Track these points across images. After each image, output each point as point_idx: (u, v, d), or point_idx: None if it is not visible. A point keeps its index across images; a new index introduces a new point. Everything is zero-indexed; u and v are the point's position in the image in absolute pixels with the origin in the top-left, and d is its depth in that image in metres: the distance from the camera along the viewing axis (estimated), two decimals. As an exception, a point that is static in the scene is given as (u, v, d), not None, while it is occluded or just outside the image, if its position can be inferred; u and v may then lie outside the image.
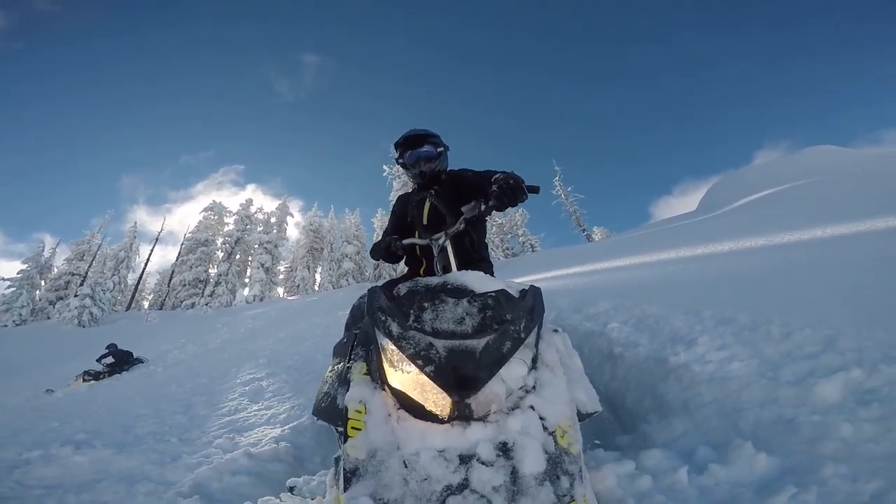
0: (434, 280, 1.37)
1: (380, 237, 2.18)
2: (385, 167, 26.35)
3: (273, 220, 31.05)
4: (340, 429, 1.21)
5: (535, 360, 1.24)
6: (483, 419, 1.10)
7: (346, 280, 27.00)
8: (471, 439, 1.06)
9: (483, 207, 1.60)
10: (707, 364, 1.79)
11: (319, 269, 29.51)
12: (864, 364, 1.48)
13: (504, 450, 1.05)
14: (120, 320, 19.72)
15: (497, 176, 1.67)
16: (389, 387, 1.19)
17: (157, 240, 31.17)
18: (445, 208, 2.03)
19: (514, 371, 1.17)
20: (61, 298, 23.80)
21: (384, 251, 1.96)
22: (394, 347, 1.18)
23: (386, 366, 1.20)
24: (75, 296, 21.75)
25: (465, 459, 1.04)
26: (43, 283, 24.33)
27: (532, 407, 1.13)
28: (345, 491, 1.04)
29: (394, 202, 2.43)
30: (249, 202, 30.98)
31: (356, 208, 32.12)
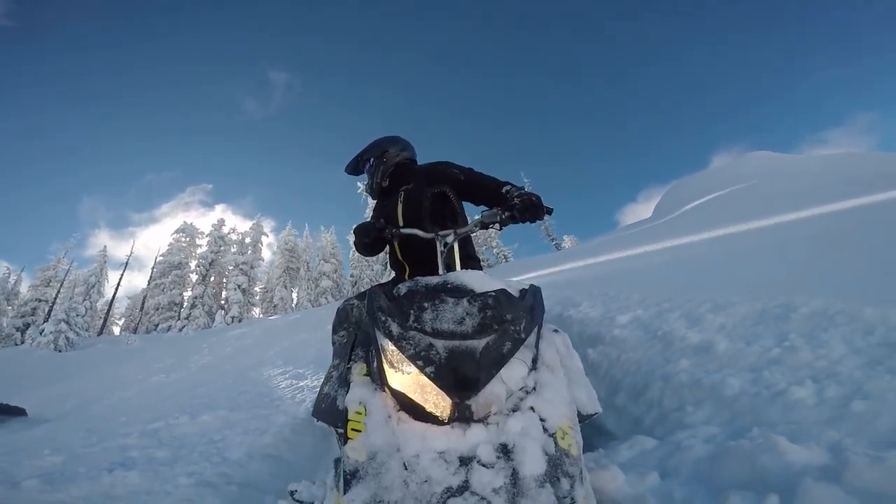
0: (434, 279, 1.37)
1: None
2: (359, 184, 26.99)
3: (248, 240, 31.23)
4: (340, 430, 1.22)
5: (535, 361, 1.25)
6: (483, 421, 1.11)
7: (325, 298, 27.56)
8: (471, 441, 1.07)
9: (502, 217, 1.61)
10: (580, 314, 3.18)
11: (296, 289, 30.01)
12: (647, 307, 2.93)
13: (504, 451, 1.06)
14: (97, 344, 19.67)
15: (509, 188, 1.73)
16: (389, 388, 1.19)
17: (126, 264, 30.77)
18: (421, 211, 1.97)
19: (515, 372, 1.18)
20: (28, 325, 23.33)
21: (377, 234, 1.82)
22: (394, 348, 1.18)
23: (386, 367, 1.20)
24: (45, 321, 21.49)
25: (466, 461, 1.04)
26: (10, 309, 23.83)
27: (532, 408, 1.15)
28: (345, 493, 1.05)
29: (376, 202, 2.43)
30: (221, 222, 30.99)
31: (331, 226, 32.75)
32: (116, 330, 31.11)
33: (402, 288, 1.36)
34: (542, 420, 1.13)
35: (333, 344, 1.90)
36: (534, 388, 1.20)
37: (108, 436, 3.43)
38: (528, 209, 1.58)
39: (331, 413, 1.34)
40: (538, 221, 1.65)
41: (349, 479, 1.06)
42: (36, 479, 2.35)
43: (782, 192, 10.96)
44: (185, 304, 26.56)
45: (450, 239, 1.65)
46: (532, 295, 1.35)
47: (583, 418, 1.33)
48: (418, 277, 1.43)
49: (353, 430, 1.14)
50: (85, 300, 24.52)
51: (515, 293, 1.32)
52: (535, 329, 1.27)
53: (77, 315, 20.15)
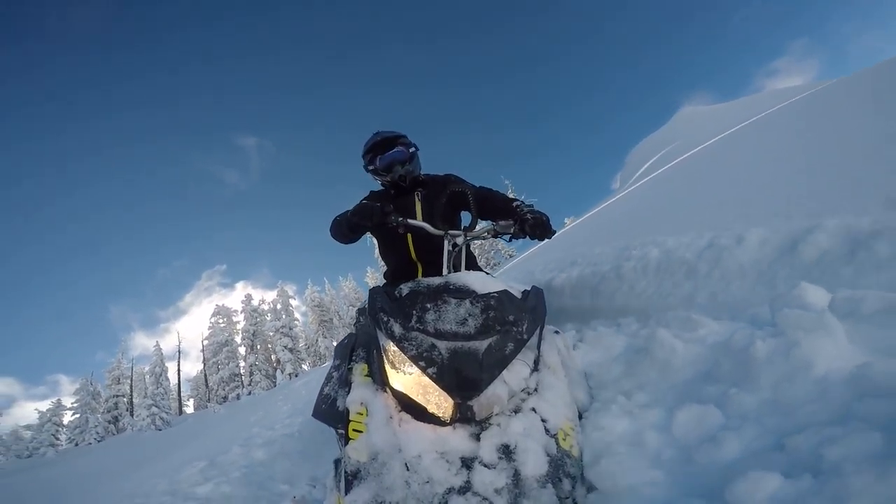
0: (436, 280, 1.38)
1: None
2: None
3: (279, 306, 34.65)
4: (341, 431, 1.23)
5: (536, 362, 1.26)
6: (485, 421, 1.12)
7: (362, 340, 30.89)
8: (473, 442, 1.08)
9: (515, 229, 1.63)
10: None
11: (335, 338, 33.35)
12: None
13: (506, 452, 1.07)
14: (188, 419, 22.80)
15: (520, 204, 1.77)
16: (391, 388, 1.20)
17: (179, 352, 34.31)
18: (440, 211, 1.92)
19: (517, 373, 1.19)
20: (116, 419, 26.60)
21: (381, 219, 1.64)
22: (396, 348, 1.19)
23: (388, 367, 1.21)
24: (128, 412, 24.66)
25: (468, 462, 1.05)
26: (98, 406, 27.23)
27: (534, 409, 1.15)
28: (346, 494, 1.06)
29: (366, 196, 2.17)
30: (249, 297, 34.39)
31: (348, 273, 36.12)
32: (189, 409, 34.12)
33: (404, 289, 1.38)
34: (543, 421, 1.14)
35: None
36: (535, 390, 1.21)
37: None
38: (539, 227, 1.61)
39: (331, 414, 1.33)
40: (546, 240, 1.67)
41: (350, 479, 1.07)
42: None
43: (697, 145, 11.47)
44: (244, 372, 29.78)
45: (459, 240, 1.65)
46: (534, 296, 1.37)
47: (583, 419, 1.32)
48: (420, 278, 1.46)
49: (354, 430, 1.15)
50: (158, 388, 27.75)
51: (517, 294, 1.34)
52: (537, 330, 1.29)
53: (162, 399, 23.38)
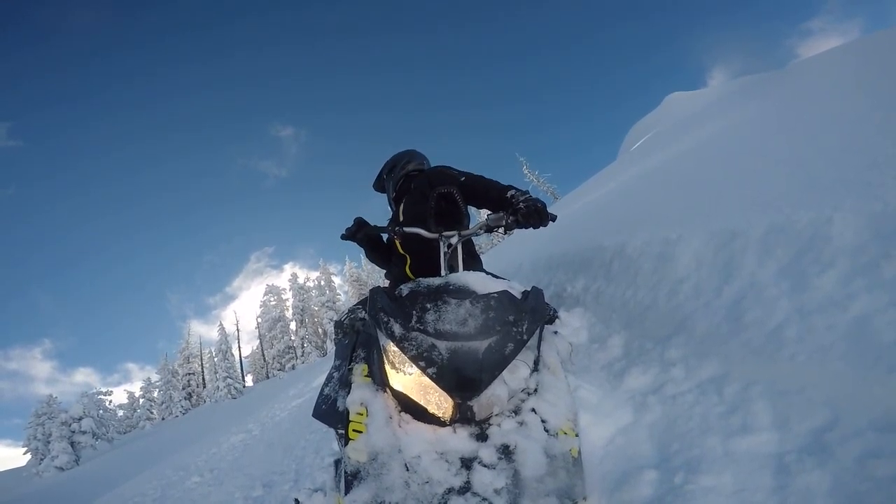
0: (436, 280, 1.39)
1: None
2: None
3: (322, 283, 36.83)
4: (341, 431, 1.24)
5: (536, 363, 1.28)
6: (485, 422, 1.13)
7: (401, 309, 32.68)
8: (473, 442, 1.09)
9: (508, 221, 1.63)
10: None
11: (374, 309, 35.32)
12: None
13: (506, 452, 1.08)
14: (257, 388, 25.67)
15: (514, 192, 1.76)
16: (391, 389, 1.21)
17: (238, 329, 37.38)
18: (418, 209, 1.99)
19: (516, 373, 1.21)
20: (190, 395, 30.00)
21: (377, 231, 1.82)
22: (396, 349, 1.20)
23: (388, 367, 1.22)
24: (201, 386, 27.72)
25: (467, 462, 1.06)
26: (177, 382, 30.90)
27: (534, 410, 1.17)
28: (346, 494, 1.06)
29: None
30: (295, 277, 36.63)
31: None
32: (248, 382, 37.74)
33: (405, 289, 1.38)
34: (543, 421, 1.14)
35: (336, 344, 1.86)
36: (535, 390, 1.22)
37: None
38: (533, 215, 1.61)
39: (331, 414, 1.34)
40: (542, 227, 1.66)
41: (350, 480, 1.08)
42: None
43: (675, 133, 10.72)
44: (296, 345, 32.46)
45: (454, 240, 1.68)
46: (534, 297, 1.37)
47: None
48: (420, 279, 1.47)
49: (354, 430, 1.15)
50: (224, 362, 30.91)
51: (517, 294, 1.35)
52: (537, 331, 1.30)
53: (234, 372, 26.30)
